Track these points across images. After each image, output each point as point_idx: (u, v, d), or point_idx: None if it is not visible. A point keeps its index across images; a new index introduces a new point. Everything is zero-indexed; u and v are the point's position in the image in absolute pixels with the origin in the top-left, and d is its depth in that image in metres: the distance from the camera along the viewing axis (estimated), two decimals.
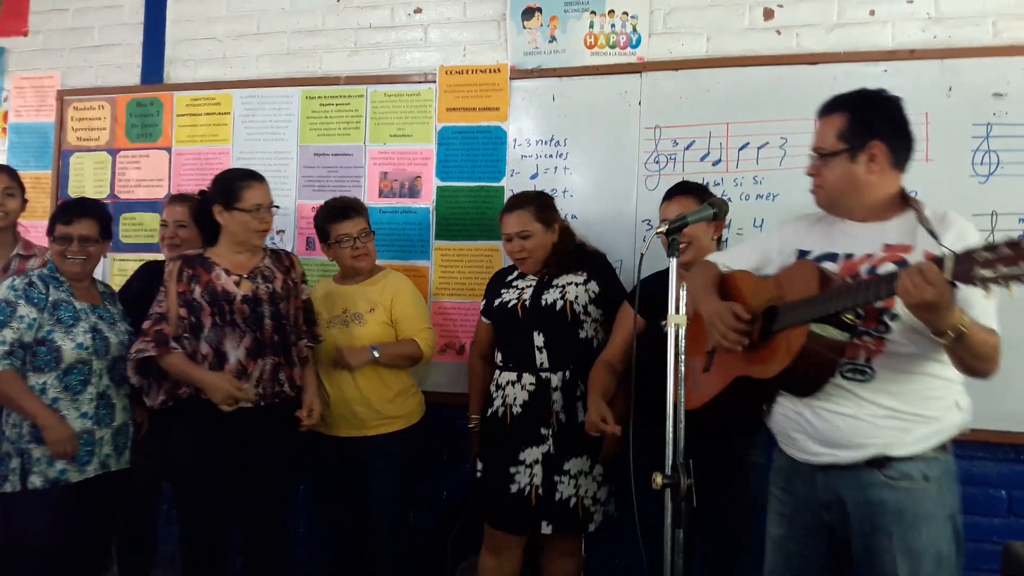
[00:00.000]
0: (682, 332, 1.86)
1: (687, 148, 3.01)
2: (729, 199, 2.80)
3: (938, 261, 1.50)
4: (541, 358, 2.69)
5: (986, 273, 1.40)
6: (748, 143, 2.95)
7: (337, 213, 2.91)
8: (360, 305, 2.90)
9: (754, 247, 2.14)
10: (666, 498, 1.86)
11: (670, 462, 1.87)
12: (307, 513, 3.40)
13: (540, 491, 2.61)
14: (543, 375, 2.68)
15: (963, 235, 1.75)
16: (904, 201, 1.88)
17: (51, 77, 3.88)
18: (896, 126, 1.87)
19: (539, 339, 2.69)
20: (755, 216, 2.93)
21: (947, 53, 2.79)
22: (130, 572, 3.12)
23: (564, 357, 2.68)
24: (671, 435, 1.87)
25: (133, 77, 3.77)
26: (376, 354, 2.80)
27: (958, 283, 1.47)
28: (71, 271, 2.67)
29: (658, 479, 1.86)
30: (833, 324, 1.72)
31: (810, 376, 1.78)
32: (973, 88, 2.73)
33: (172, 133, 3.67)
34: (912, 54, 2.82)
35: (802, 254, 1.95)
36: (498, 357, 2.82)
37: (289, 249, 3.40)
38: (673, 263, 1.87)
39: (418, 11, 3.37)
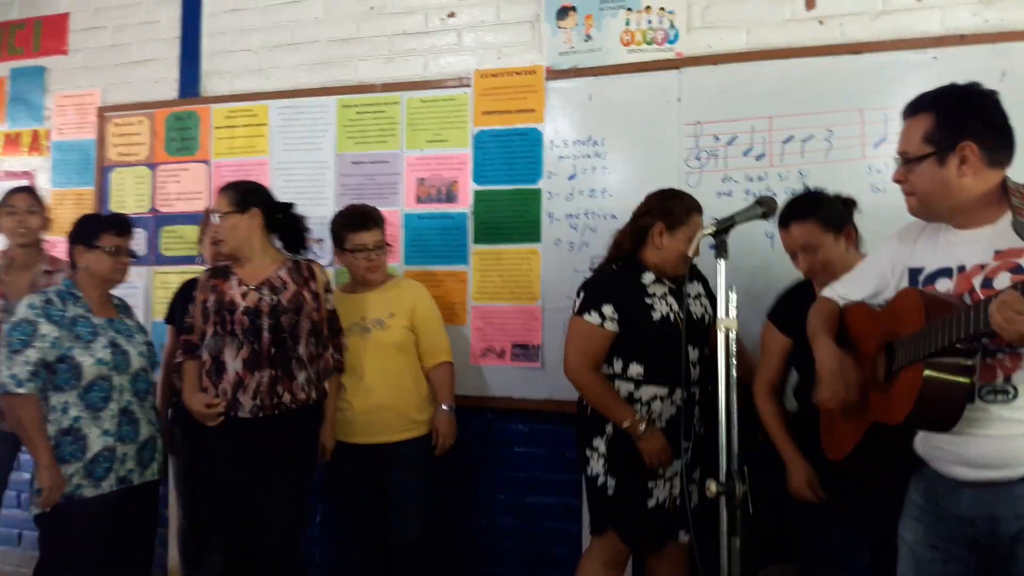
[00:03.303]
0: (732, 336, 1.81)
1: (729, 143, 2.95)
2: (775, 195, 2.72)
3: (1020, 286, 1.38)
4: (695, 373, 2.57)
5: None
6: (792, 136, 2.88)
7: (356, 222, 2.90)
8: (380, 311, 2.89)
9: (868, 273, 1.99)
10: (721, 506, 1.82)
11: (724, 468, 1.83)
12: (331, 523, 3.40)
13: (678, 502, 2.54)
14: (692, 390, 2.56)
15: None
16: (1006, 198, 1.72)
17: (91, 94, 3.93)
18: (989, 123, 1.72)
19: (694, 354, 2.57)
20: None
21: (999, 37, 2.68)
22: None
23: (711, 372, 2.49)
24: (724, 441, 1.83)
25: (171, 91, 3.80)
26: (452, 408, 2.92)
27: None
28: (119, 281, 2.73)
29: (712, 487, 1.82)
30: (952, 354, 1.58)
31: (942, 412, 1.64)
32: None
33: (210, 146, 3.70)
34: (963, 39, 2.72)
35: (914, 273, 1.82)
36: (629, 370, 2.57)
37: (326, 260, 3.39)
38: (721, 265, 1.82)
39: (451, 15, 3.35)
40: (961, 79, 1.80)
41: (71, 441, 2.53)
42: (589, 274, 2.80)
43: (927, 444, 1.78)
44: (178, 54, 3.79)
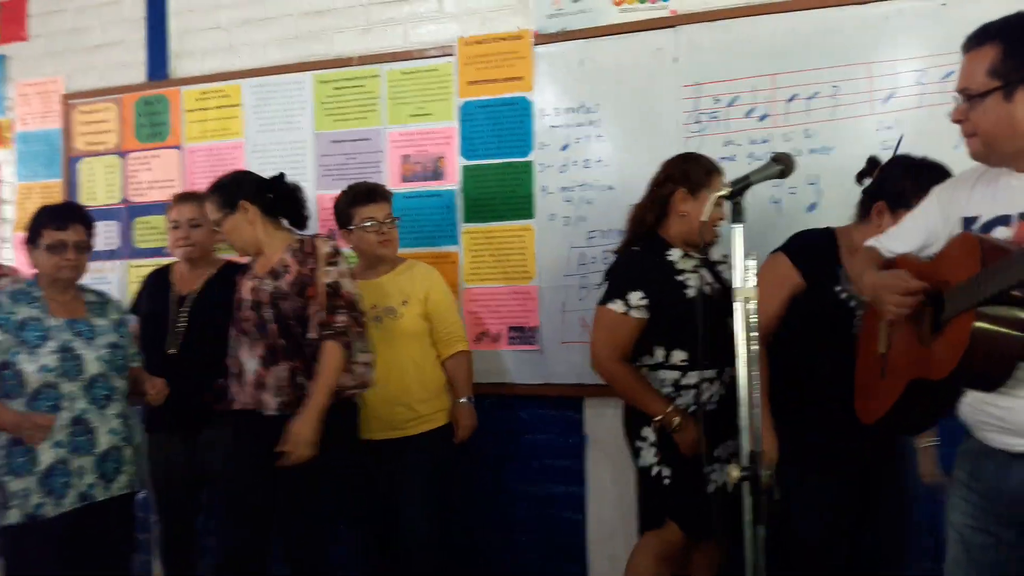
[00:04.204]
0: (752, 306, 1.66)
1: (730, 105, 2.79)
2: None
3: None
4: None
5: None
6: (796, 95, 2.72)
7: (361, 196, 2.76)
8: (392, 298, 2.74)
9: (915, 224, 1.83)
10: (744, 492, 1.67)
11: (746, 451, 1.69)
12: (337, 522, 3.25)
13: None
14: None
15: None
16: None
17: (55, 81, 3.75)
18: None
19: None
20: (809, 173, 2.69)
21: None
22: None
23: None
24: (746, 423, 1.68)
25: (138, 75, 3.62)
26: (471, 400, 2.80)
27: None
28: (66, 278, 2.50)
29: (734, 472, 1.67)
30: (1007, 303, 1.44)
31: (991, 368, 1.50)
32: None
33: (182, 130, 3.52)
34: None
35: (968, 222, 1.67)
36: (672, 357, 2.40)
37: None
38: (738, 230, 1.66)
39: None
40: (973, 26, 1.64)
41: (20, 453, 2.37)
42: (587, 248, 2.65)
43: (975, 409, 1.63)
44: (144, 35, 3.61)
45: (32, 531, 2.36)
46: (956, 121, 1.66)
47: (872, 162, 2.25)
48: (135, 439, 2.66)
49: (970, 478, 1.68)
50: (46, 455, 2.38)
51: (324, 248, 2.58)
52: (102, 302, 2.65)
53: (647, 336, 2.42)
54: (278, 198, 2.69)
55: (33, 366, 2.38)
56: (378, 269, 2.81)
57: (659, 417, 2.35)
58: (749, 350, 1.66)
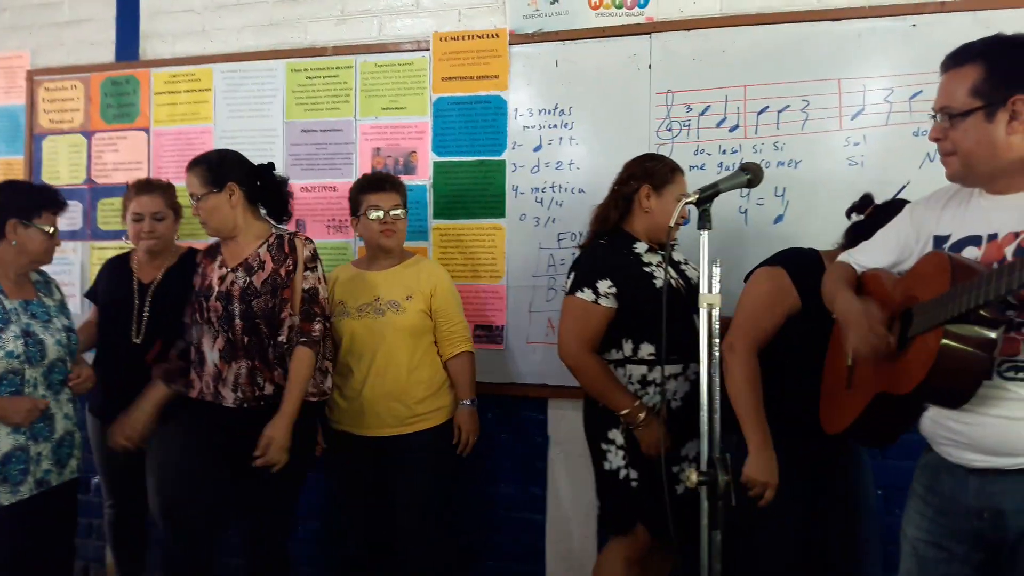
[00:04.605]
0: (715, 314, 1.68)
1: (702, 114, 2.81)
2: None
3: None
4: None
5: None
6: (767, 107, 2.76)
7: (371, 184, 2.73)
8: (396, 292, 2.69)
9: (888, 240, 1.85)
10: (702, 497, 1.69)
11: (705, 456, 1.71)
12: (322, 515, 3.25)
13: None
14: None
15: None
16: None
17: (20, 56, 3.66)
18: None
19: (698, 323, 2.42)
20: (777, 184, 2.73)
21: (980, 4, 2.59)
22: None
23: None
24: (706, 428, 1.70)
25: (107, 54, 3.55)
26: (474, 402, 2.75)
27: None
28: (46, 263, 2.51)
29: (693, 476, 1.69)
30: (974, 322, 1.46)
31: (956, 385, 1.52)
32: None
33: (150, 113, 3.46)
34: (943, 6, 2.62)
35: (939, 240, 1.69)
36: (640, 351, 2.40)
37: None
38: (704, 237, 1.68)
39: None
40: (941, 48, 1.68)
41: None
42: (556, 250, 2.64)
43: (935, 423, 1.66)
44: (115, 14, 3.53)
45: None
46: (934, 139, 1.66)
47: (866, 199, 2.21)
48: (82, 423, 2.64)
49: (927, 492, 1.71)
50: (5, 441, 2.33)
51: (304, 251, 2.55)
52: (45, 281, 2.61)
53: (615, 329, 2.41)
54: (264, 187, 2.64)
55: None
56: (384, 261, 2.75)
57: (625, 411, 2.34)
58: (711, 356, 1.67)
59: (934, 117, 1.66)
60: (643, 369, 2.40)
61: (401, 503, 2.69)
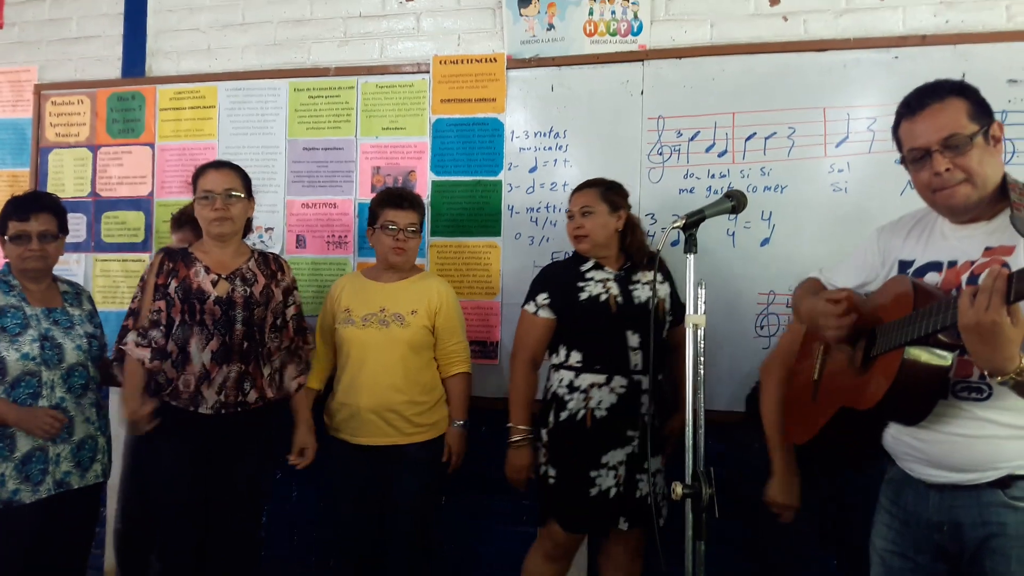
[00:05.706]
0: (701, 333, 1.76)
1: (692, 139, 2.91)
2: None
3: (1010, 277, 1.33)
4: (635, 359, 2.53)
5: None
6: (755, 133, 2.85)
7: (391, 199, 2.79)
8: (401, 305, 2.76)
9: (856, 262, 1.93)
10: (687, 509, 1.77)
11: (690, 470, 1.79)
12: (315, 523, 3.30)
13: (621, 489, 2.52)
14: (635, 377, 2.53)
15: None
16: (1004, 192, 1.65)
17: (28, 71, 3.73)
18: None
19: (634, 339, 2.54)
20: (763, 209, 2.83)
21: (960, 38, 2.70)
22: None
23: (657, 359, 2.48)
24: (691, 441, 1.78)
25: (114, 70, 3.62)
26: (465, 424, 2.84)
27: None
28: (33, 268, 2.52)
29: (678, 489, 1.77)
30: (932, 345, 1.55)
31: (914, 403, 1.61)
32: (987, 74, 2.61)
33: (155, 128, 3.53)
34: (924, 40, 2.72)
35: (904, 265, 1.77)
36: (571, 358, 2.60)
37: (278, 248, 3.29)
38: (690, 260, 1.77)
39: None
40: (922, 79, 1.75)
41: None
42: None
43: (897, 440, 1.75)
44: (122, 31, 3.61)
45: (7, 517, 2.38)
46: (941, 171, 1.63)
47: None
48: (108, 429, 2.69)
49: (892, 505, 1.80)
50: (24, 441, 2.40)
51: (291, 274, 2.79)
52: (76, 292, 2.69)
53: (556, 336, 2.65)
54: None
55: (15, 354, 2.40)
56: (393, 274, 2.82)
57: (508, 424, 2.65)
58: (697, 374, 1.75)
59: (925, 156, 1.65)
60: (571, 375, 2.59)
61: (392, 508, 2.76)
